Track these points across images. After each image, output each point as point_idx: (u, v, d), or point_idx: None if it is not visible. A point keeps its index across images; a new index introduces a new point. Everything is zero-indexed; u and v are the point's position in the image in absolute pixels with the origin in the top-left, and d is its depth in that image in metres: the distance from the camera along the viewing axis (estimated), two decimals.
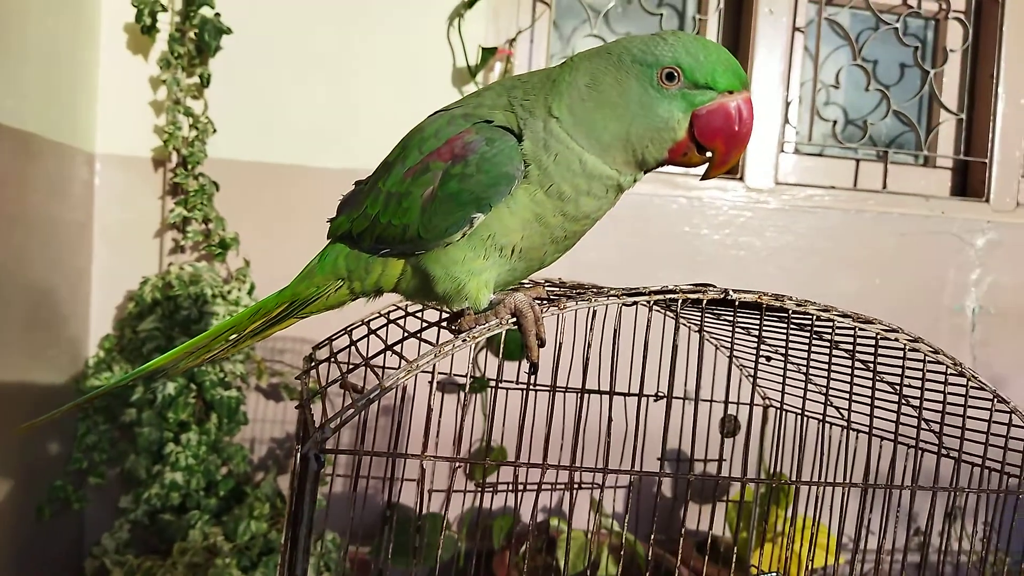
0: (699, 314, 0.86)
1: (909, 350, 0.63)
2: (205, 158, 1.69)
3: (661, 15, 2.02)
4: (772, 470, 1.00)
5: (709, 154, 0.65)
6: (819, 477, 0.82)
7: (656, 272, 1.90)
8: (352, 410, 0.51)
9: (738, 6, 2.06)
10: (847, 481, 0.63)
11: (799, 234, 2.00)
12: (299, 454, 0.48)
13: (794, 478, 0.90)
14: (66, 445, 1.65)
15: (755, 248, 1.99)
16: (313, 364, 0.78)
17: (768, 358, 0.85)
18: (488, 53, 1.78)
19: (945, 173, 2.16)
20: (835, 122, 2.10)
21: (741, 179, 1.98)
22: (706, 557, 0.77)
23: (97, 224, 1.73)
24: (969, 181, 2.16)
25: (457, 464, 0.65)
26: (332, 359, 0.79)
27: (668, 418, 0.70)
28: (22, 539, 1.50)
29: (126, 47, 1.73)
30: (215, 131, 1.70)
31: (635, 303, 0.59)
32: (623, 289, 0.61)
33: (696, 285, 0.59)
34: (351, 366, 0.91)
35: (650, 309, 0.65)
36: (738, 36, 2.06)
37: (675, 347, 0.66)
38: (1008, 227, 2.09)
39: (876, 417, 0.69)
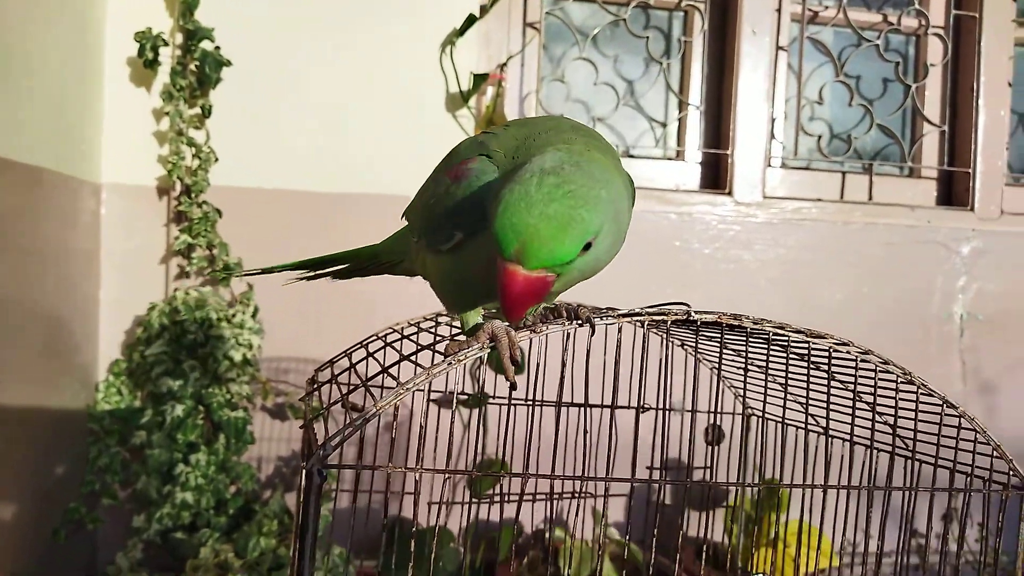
0: (684, 331, 0.91)
1: (860, 360, 0.68)
2: (208, 186, 1.75)
3: (647, 38, 2.09)
4: (763, 474, 1.05)
5: None
6: (795, 480, 0.87)
7: (648, 286, 1.95)
8: (351, 428, 0.56)
9: (722, 27, 2.12)
10: (837, 484, 0.68)
11: (788, 246, 2.06)
12: (304, 470, 0.53)
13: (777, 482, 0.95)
14: (79, 468, 1.70)
15: (745, 261, 2.04)
16: (316, 386, 0.83)
17: (746, 371, 0.90)
18: (480, 79, 1.84)
19: (930, 183, 2.21)
20: (820, 137, 2.16)
21: (730, 194, 2.04)
22: (702, 560, 0.81)
23: (104, 252, 1.79)
24: (954, 190, 2.21)
25: (447, 476, 0.69)
26: (333, 380, 0.84)
27: (667, 428, 0.75)
28: (37, 561, 1.55)
29: (129, 80, 1.79)
30: (217, 160, 1.76)
31: (605, 324, 0.64)
32: (599, 310, 0.66)
33: (662, 305, 0.64)
34: (351, 387, 0.97)
35: (644, 327, 0.70)
36: (723, 56, 2.12)
37: (664, 361, 0.71)
38: (993, 235, 2.14)
39: (835, 421, 0.75)
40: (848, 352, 0.67)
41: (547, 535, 1.85)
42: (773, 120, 2.08)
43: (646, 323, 0.62)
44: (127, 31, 1.71)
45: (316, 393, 0.79)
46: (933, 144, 2.20)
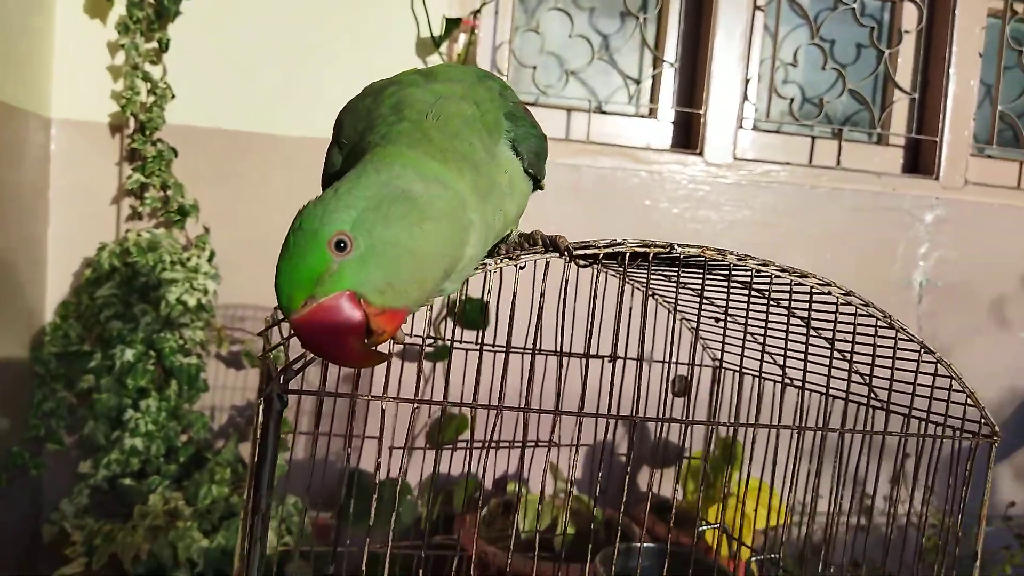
0: (645, 276, 0.89)
1: (842, 303, 0.67)
2: (163, 124, 1.67)
3: None
4: (715, 418, 1.04)
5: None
6: (771, 436, 0.86)
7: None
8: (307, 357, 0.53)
9: None
10: (779, 423, 0.67)
11: (756, 208, 2.05)
12: (263, 395, 0.50)
13: (745, 439, 0.94)
14: (23, 412, 1.64)
15: (712, 222, 2.03)
16: (275, 322, 0.79)
17: (716, 319, 0.88)
18: (452, 24, 1.78)
19: (897, 151, 2.22)
20: (792, 100, 2.15)
21: (701, 154, 2.02)
22: (647, 512, 0.80)
23: (53, 190, 1.71)
24: (920, 159, 2.22)
25: (415, 407, 0.67)
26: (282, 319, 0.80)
27: (638, 378, 0.73)
28: None
29: (83, 10, 1.70)
30: (174, 97, 1.69)
31: (585, 255, 0.62)
32: (575, 243, 0.63)
33: (642, 241, 0.61)
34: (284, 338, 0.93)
35: (596, 269, 0.68)
36: (700, 13, 2.08)
37: (638, 310, 0.69)
38: (956, 204, 2.16)
39: (812, 372, 0.73)
40: (830, 293, 0.65)
41: (507, 489, 1.84)
42: (747, 81, 2.06)
43: (626, 256, 0.59)
44: None
45: (276, 328, 0.76)
46: (903, 112, 2.20)
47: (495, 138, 0.66)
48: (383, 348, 0.61)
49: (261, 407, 0.50)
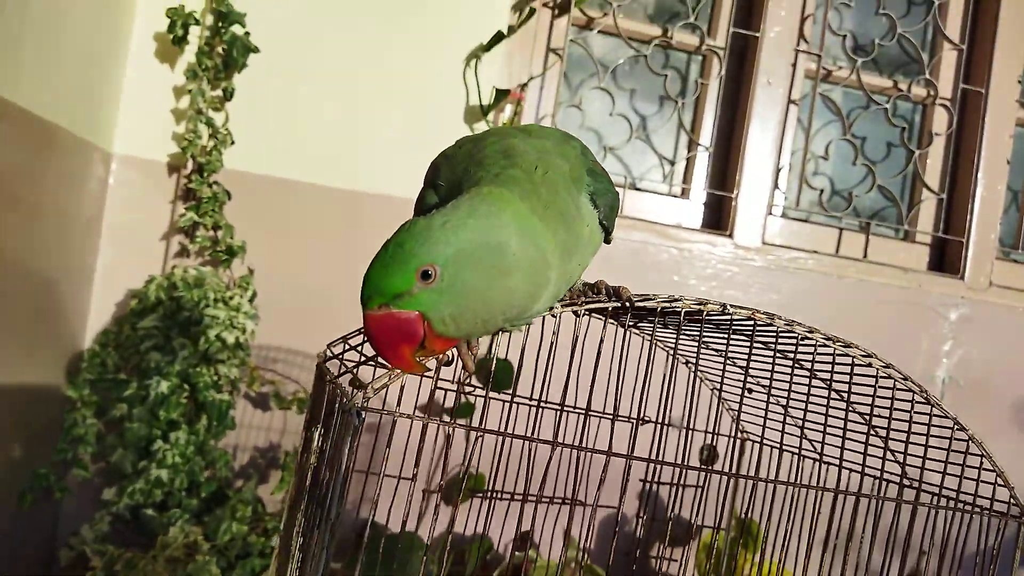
0: (692, 344, 0.92)
1: (882, 376, 0.70)
2: (221, 167, 1.75)
3: (666, 76, 2.13)
4: (742, 507, 1.05)
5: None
6: (797, 512, 0.88)
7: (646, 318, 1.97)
8: (389, 378, 0.56)
9: (739, 74, 2.17)
10: (819, 485, 0.69)
11: (782, 293, 2.09)
12: (340, 411, 0.53)
13: (768, 515, 0.95)
14: (52, 436, 1.67)
15: (740, 302, 2.06)
16: (342, 351, 0.83)
17: (751, 390, 0.91)
18: (501, 94, 1.87)
19: (924, 248, 2.26)
20: (822, 191, 2.21)
21: (731, 236, 2.07)
22: None
23: (107, 222, 1.78)
24: (946, 258, 2.26)
25: (420, 488, 0.70)
26: (344, 353, 0.84)
27: (664, 444, 0.75)
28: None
29: (155, 55, 1.80)
30: (233, 143, 1.77)
31: (644, 311, 0.65)
32: (637, 296, 0.67)
33: (698, 299, 0.65)
34: (362, 360, 0.97)
35: (634, 330, 0.71)
36: (736, 102, 2.16)
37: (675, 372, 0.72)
38: (980, 304, 2.18)
39: (847, 450, 0.76)
40: (871, 365, 0.68)
41: (524, 553, 1.83)
42: (779, 170, 2.13)
43: (682, 313, 0.63)
44: (159, 6, 1.72)
45: (333, 359, 0.79)
46: (930, 211, 2.25)
47: (579, 190, 0.72)
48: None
49: (336, 421, 0.54)
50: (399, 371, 0.66)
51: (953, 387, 2.16)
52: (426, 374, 0.67)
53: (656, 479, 0.95)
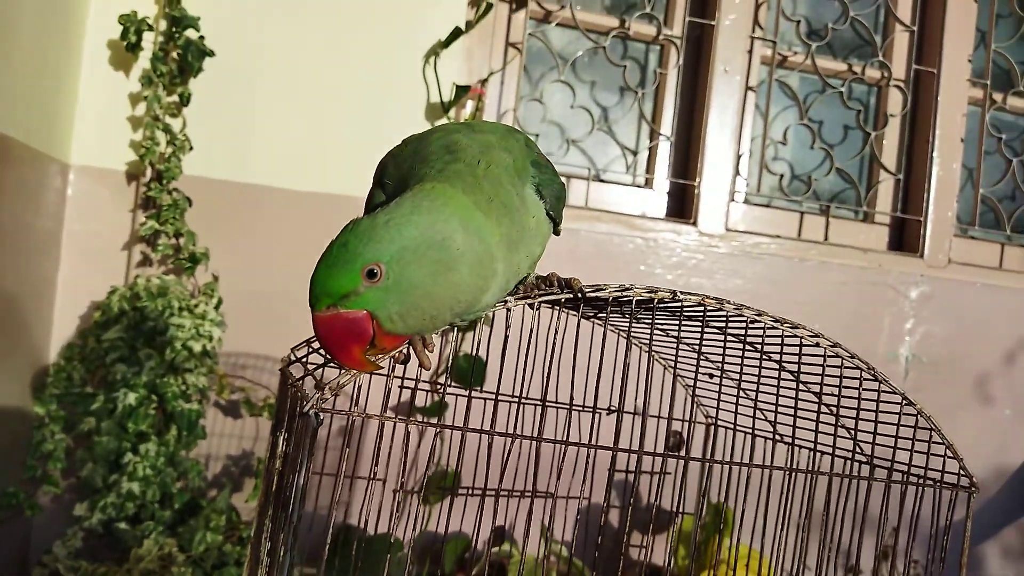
0: (647, 330, 0.93)
1: (829, 355, 0.71)
2: (180, 174, 1.73)
3: (625, 67, 2.15)
4: (707, 488, 1.07)
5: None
6: (760, 496, 0.89)
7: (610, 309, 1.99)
8: (348, 378, 0.57)
9: (696, 63, 2.20)
10: (771, 465, 0.70)
11: (747, 278, 2.11)
12: (299, 413, 0.54)
13: (735, 497, 0.97)
14: (20, 453, 1.65)
15: (706, 289, 2.09)
16: (304, 353, 0.83)
17: (711, 375, 0.92)
18: (462, 90, 1.87)
19: (883, 229, 2.30)
20: (782, 176, 2.24)
21: (694, 224, 2.09)
22: None
23: (66, 234, 1.76)
24: (905, 237, 2.30)
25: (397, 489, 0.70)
26: (308, 355, 0.84)
27: (639, 432, 0.76)
28: None
29: (109, 62, 1.78)
30: (191, 149, 1.75)
31: (596, 300, 0.66)
32: (589, 287, 0.68)
33: (649, 287, 0.66)
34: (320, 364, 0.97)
35: (595, 320, 0.72)
36: (695, 91, 2.19)
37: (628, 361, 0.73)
38: (940, 281, 2.23)
39: (800, 428, 0.77)
40: (818, 344, 0.70)
41: (502, 546, 1.84)
42: (739, 156, 2.15)
43: (634, 301, 0.64)
44: (112, 13, 1.70)
45: (297, 363, 0.80)
46: (888, 191, 2.29)
47: (523, 182, 0.73)
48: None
49: (297, 425, 0.54)
50: (354, 371, 0.67)
51: (916, 364, 2.20)
52: (378, 372, 0.67)
53: (618, 468, 0.96)
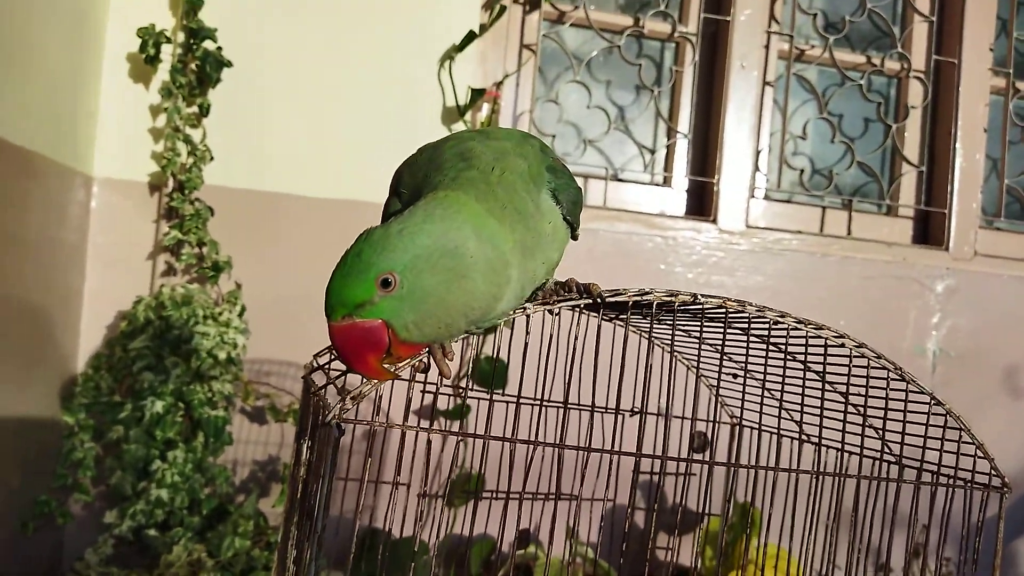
0: (668, 332, 0.93)
1: (856, 355, 0.71)
2: (201, 184, 1.75)
3: (640, 65, 2.14)
4: (733, 489, 1.07)
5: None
6: (788, 496, 0.89)
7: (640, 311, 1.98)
8: (369, 387, 0.57)
9: (712, 60, 2.18)
10: (798, 468, 0.70)
11: (768, 275, 2.10)
12: (321, 423, 0.54)
13: (761, 497, 0.97)
14: (51, 462, 1.67)
15: (727, 287, 2.07)
16: (326, 360, 0.84)
17: (735, 375, 0.92)
18: (477, 94, 1.87)
19: (907, 222, 2.28)
20: (802, 171, 2.22)
21: (714, 221, 2.08)
22: None
23: (91, 245, 1.78)
24: (930, 230, 2.27)
25: (420, 493, 0.71)
26: (330, 363, 0.85)
27: (665, 433, 0.76)
28: (1, 553, 1.52)
29: (128, 75, 1.80)
30: (212, 159, 1.77)
31: (614, 302, 0.66)
32: (606, 291, 0.68)
33: (668, 290, 0.66)
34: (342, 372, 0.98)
35: (616, 322, 0.72)
36: (712, 88, 2.17)
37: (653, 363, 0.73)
38: (966, 274, 2.20)
39: (827, 428, 0.77)
40: (843, 345, 0.69)
41: (528, 548, 1.84)
42: (758, 152, 2.14)
43: (654, 305, 0.63)
44: (130, 26, 1.72)
45: (319, 371, 0.80)
46: (911, 184, 2.27)
47: (539, 188, 0.73)
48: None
49: (319, 435, 0.55)
50: (375, 379, 0.67)
51: (944, 359, 2.18)
52: (398, 378, 0.68)
53: (643, 471, 0.96)
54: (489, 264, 0.66)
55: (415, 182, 0.75)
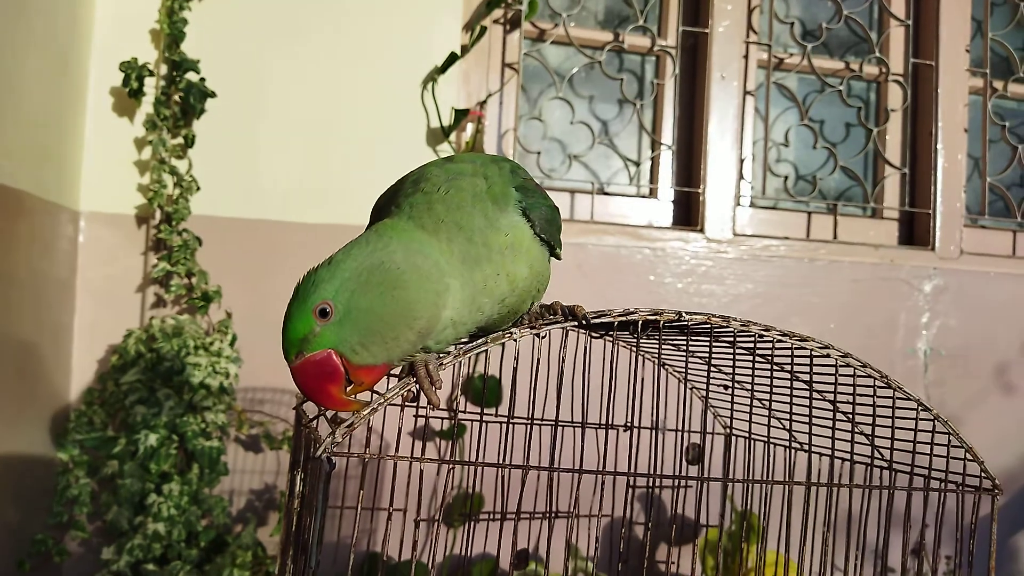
0: (656, 346, 0.94)
1: (841, 365, 0.71)
2: (188, 214, 1.75)
3: (622, 79, 2.16)
4: (731, 498, 1.07)
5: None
6: (784, 504, 0.89)
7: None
8: (355, 421, 0.57)
9: (692, 71, 2.20)
10: (791, 480, 0.70)
11: (757, 281, 2.11)
12: (312, 457, 0.54)
13: (758, 505, 0.97)
14: (46, 499, 1.66)
15: (717, 295, 2.08)
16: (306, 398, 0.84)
17: (724, 387, 0.92)
18: (460, 114, 1.88)
19: (892, 224, 2.29)
20: (786, 177, 2.24)
21: (701, 231, 2.09)
22: None
23: (80, 280, 1.78)
24: (915, 231, 2.29)
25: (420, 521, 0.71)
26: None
27: (658, 447, 0.77)
28: None
29: (112, 109, 1.81)
30: (199, 189, 1.77)
31: (601, 324, 0.67)
32: (591, 312, 0.69)
33: (653, 309, 0.67)
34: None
35: (605, 339, 0.73)
36: (693, 99, 2.19)
37: (645, 377, 0.73)
38: (953, 273, 2.21)
39: (818, 435, 0.77)
40: (828, 355, 0.70)
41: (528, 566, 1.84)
42: (742, 161, 2.15)
43: (639, 324, 0.64)
44: (113, 61, 1.73)
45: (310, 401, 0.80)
46: (894, 186, 2.29)
47: (501, 206, 0.75)
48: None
49: (309, 468, 0.55)
50: (344, 410, 0.68)
51: (935, 358, 2.19)
52: (361, 409, 0.68)
53: (638, 485, 0.96)
54: (419, 272, 0.68)
55: (379, 215, 0.79)
